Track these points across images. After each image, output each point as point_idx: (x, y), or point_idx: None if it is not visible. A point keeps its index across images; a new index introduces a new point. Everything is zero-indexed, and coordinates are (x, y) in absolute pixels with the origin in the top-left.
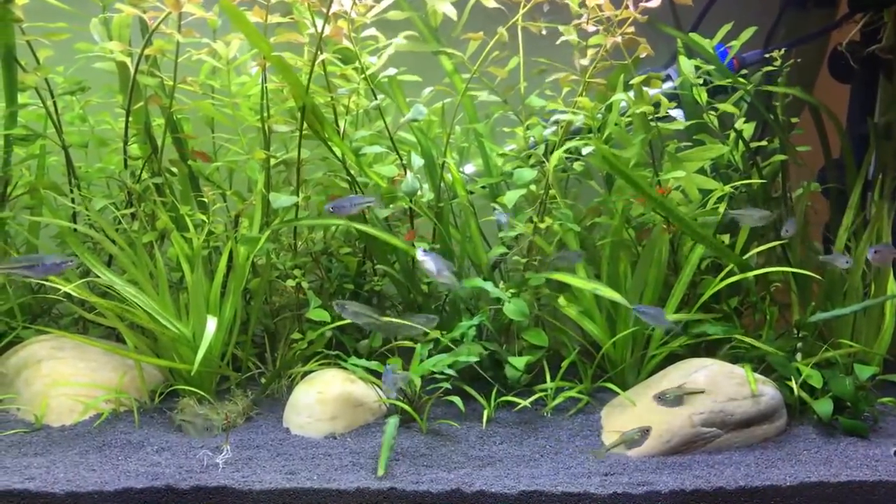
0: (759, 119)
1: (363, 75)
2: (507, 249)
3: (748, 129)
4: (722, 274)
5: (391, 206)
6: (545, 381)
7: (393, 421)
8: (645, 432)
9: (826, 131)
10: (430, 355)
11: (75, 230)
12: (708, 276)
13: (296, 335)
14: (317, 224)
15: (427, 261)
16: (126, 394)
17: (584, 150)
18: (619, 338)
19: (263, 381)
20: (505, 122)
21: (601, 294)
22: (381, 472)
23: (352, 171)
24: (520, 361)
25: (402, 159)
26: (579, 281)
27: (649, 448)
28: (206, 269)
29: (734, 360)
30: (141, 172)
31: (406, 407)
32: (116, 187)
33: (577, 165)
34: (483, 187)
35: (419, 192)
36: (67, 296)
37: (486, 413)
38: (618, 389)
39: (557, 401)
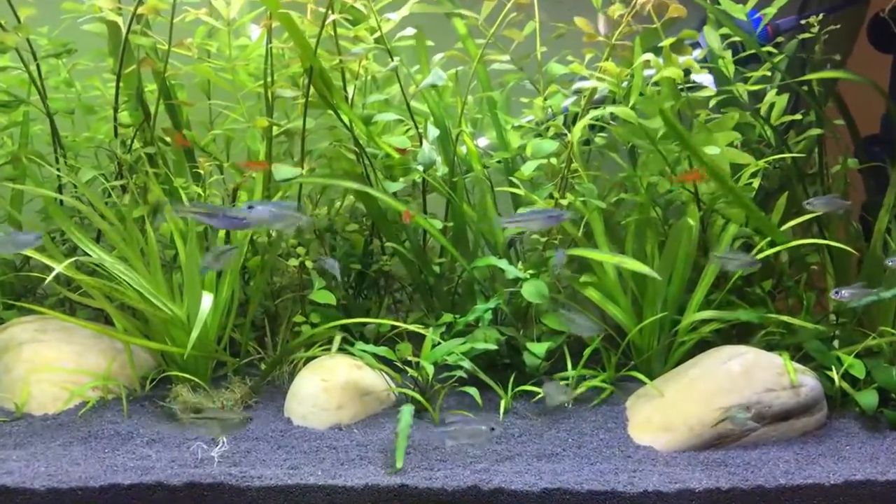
0: (793, 91)
1: (376, 34)
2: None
3: (781, 101)
4: (754, 252)
5: (402, 179)
6: (566, 369)
7: (408, 409)
8: (748, 409)
9: (846, 107)
10: (442, 341)
11: (61, 203)
12: None
13: (298, 318)
14: (322, 182)
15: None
16: (114, 380)
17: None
18: (646, 324)
19: (263, 367)
20: (522, 93)
21: (626, 267)
22: (398, 465)
23: (360, 142)
24: (539, 348)
25: (417, 128)
26: (602, 255)
27: (680, 441)
28: (202, 246)
29: (768, 347)
30: (132, 142)
31: (418, 396)
32: (105, 157)
33: (599, 139)
34: (498, 162)
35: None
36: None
37: (503, 403)
38: (644, 378)
39: (580, 390)
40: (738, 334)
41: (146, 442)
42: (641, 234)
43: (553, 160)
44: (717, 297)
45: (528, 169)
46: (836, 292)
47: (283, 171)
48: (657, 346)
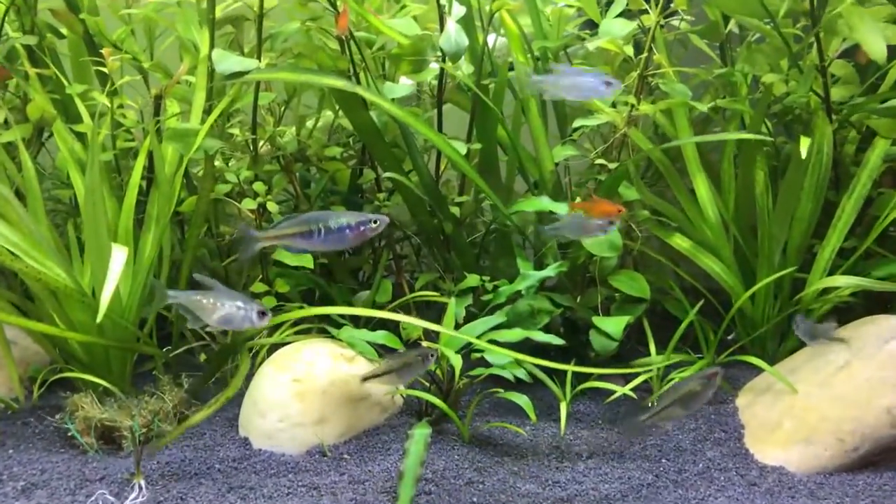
0: None
1: None
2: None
3: None
4: None
5: (411, 74)
6: (644, 351)
7: (420, 435)
8: None
9: None
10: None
11: None
12: (888, 191)
13: (258, 287)
14: (288, 79)
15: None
16: None
17: None
18: (760, 286)
19: (207, 360)
20: None
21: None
22: None
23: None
24: (614, 324)
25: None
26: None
27: (826, 459)
28: (112, 182)
29: None
30: (0, 28)
31: (436, 401)
32: None
33: (683, 24)
34: (537, 59)
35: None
36: None
37: (562, 409)
38: (764, 365)
39: (670, 385)
40: (886, 299)
41: (21, 490)
42: (749, 158)
43: (628, 48)
44: (857, 246)
45: (591, 45)
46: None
47: (229, 60)
48: (774, 317)
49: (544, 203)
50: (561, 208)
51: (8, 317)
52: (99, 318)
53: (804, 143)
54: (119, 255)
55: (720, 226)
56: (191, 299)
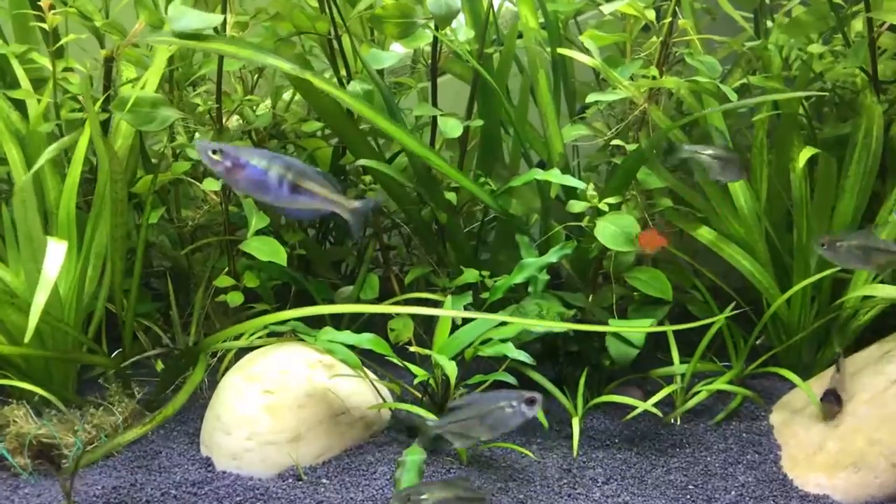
0: None
1: None
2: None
3: None
4: None
5: (396, 42)
6: (664, 359)
7: (413, 462)
8: None
9: None
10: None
11: None
12: None
13: (222, 281)
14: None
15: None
16: None
17: None
18: (796, 289)
19: (162, 366)
20: None
21: None
22: None
23: None
24: (637, 328)
25: None
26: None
27: (875, 486)
28: (53, 160)
29: None
30: None
31: (429, 415)
32: None
33: None
34: (543, 26)
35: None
36: None
37: (575, 424)
38: (798, 380)
39: (698, 399)
40: None
41: None
42: (785, 139)
43: (649, 12)
44: None
45: (607, 8)
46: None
47: (187, 16)
48: (810, 323)
49: (536, 173)
50: (553, 176)
51: None
52: (29, 332)
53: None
54: (56, 251)
55: (753, 218)
56: (461, 424)
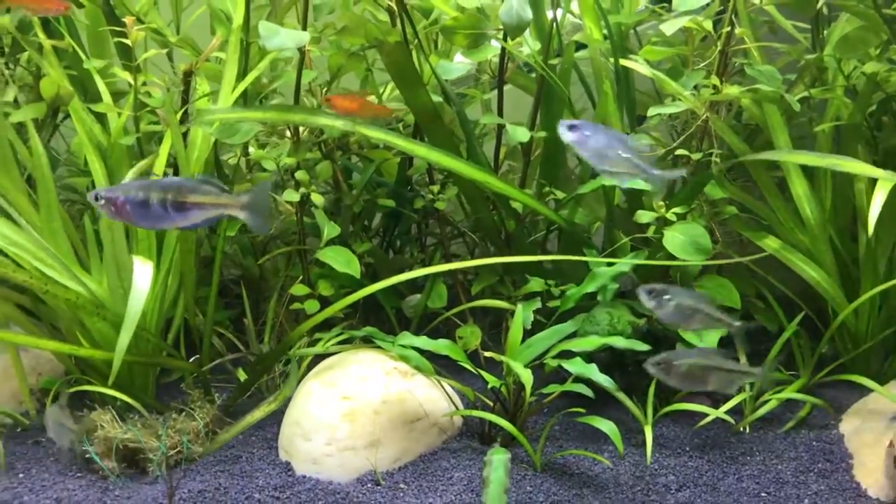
0: None
1: None
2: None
3: None
4: None
5: (462, 53)
6: None
7: (500, 461)
8: None
9: None
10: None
11: None
12: None
13: (298, 289)
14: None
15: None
16: None
17: None
18: (864, 299)
19: (242, 373)
20: None
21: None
22: None
23: None
24: (707, 337)
25: None
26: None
27: None
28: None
29: None
30: None
31: (503, 422)
32: None
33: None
34: (605, 37)
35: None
36: None
37: (647, 432)
38: (875, 385)
39: (768, 407)
40: None
41: None
42: (846, 149)
43: (707, 23)
44: None
45: (668, 29)
46: None
47: (277, 35)
48: (881, 332)
49: (605, 180)
50: (635, 183)
51: (15, 336)
52: (122, 343)
53: None
54: (143, 274)
55: (820, 227)
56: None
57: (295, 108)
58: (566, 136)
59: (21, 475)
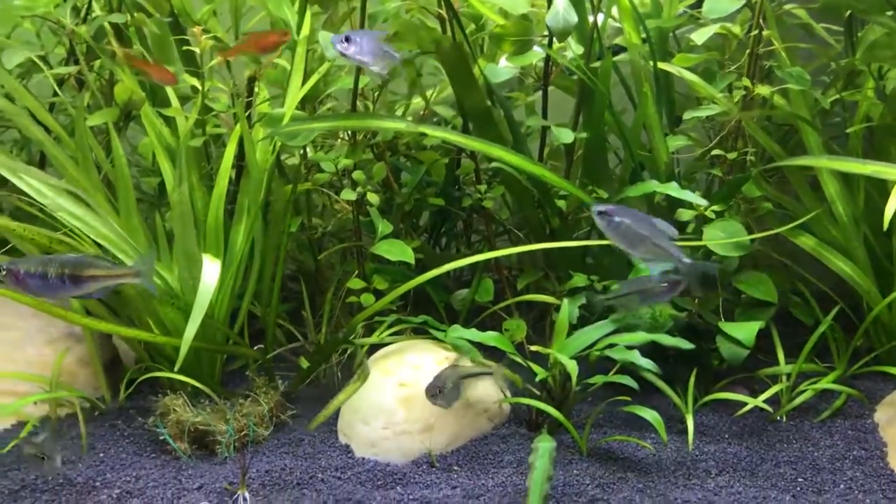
0: None
1: None
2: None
3: None
4: None
5: (509, 57)
6: (768, 360)
7: (545, 448)
8: None
9: None
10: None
11: None
12: None
13: (354, 283)
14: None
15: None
16: (71, 388)
17: None
18: None
19: (303, 361)
20: None
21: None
22: None
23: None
24: (745, 330)
25: None
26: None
27: None
28: (201, 171)
29: None
30: (88, 6)
31: (551, 410)
32: (48, 31)
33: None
34: (644, 41)
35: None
36: None
37: (688, 420)
38: None
39: (804, 397)
40: None
41: (116, 498)
42: (879, 149)
43: (736, 28)
44: None
45: (699, 38)
46: None
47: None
48: None
49: (653, 185)
50: (676, 191)
51: (96, 322)
52: (190, 332)
53: None
54: (212, 268)
55: (852, 224)
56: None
57: (368, 114)
58: (598, 220)
59: (101, 455)
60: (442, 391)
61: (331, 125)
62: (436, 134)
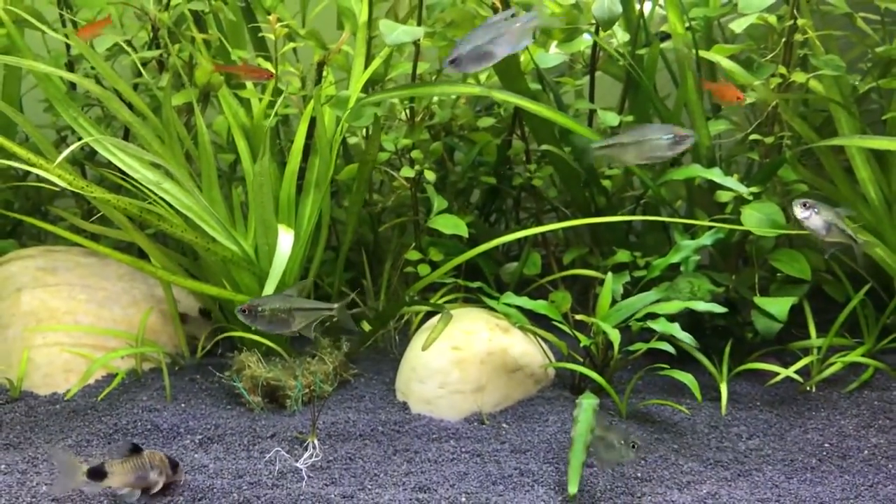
0: None
1: None
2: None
3: None
4: None
5: (562, 43)
6: (799, 334)
7: (589, 404)
8: None
9: None
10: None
11: (73, 86)
12: None
13: (412, 255)
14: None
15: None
16: (153, 344)
17: None
18: None
19: (364, 325)
20: None
21: None
22: (572, 490)
23: None
24: (779, 305)
25: None
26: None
27: None
28: (274, 149)
29: None
30: None
31: (594, 374)
32: (132, 17)
33: None
34: (688, 28)
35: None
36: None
37: (722, 388)
38: None
39: (833, 369)
40: None
41: (199, 443)
42: None
43: (772, 18)
44: None
45: (738, 27)
46: None
47: (395, 30)
48: None
49: (697, 170)
50: (716, 176)
51: (179, 279)
52: (268, 289)
53: None
54: (285, 237)
55: (883, 206)
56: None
57: (440, 82)
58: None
59: (183, 405)
60: (256, 313)
61: (407, 93)
62: (507, 99)
